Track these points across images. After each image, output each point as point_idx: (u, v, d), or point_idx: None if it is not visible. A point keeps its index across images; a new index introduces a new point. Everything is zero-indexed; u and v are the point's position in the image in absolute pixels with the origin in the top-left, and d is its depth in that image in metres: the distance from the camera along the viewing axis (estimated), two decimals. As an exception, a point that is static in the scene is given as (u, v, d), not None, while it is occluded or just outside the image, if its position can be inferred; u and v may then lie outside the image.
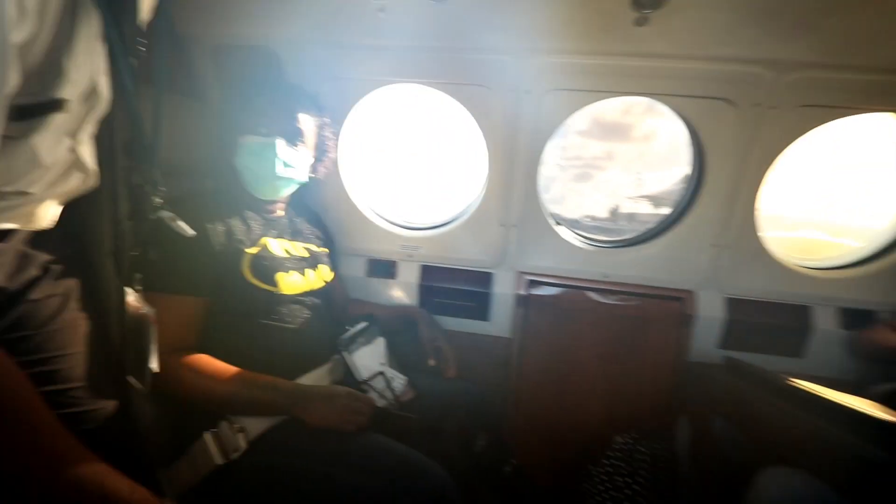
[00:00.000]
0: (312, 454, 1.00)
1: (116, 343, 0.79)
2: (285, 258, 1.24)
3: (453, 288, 1.63)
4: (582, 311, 1.60)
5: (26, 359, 0.69)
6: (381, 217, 1.69)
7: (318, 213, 1.56)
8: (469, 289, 1.62)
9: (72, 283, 0.74)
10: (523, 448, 1.56)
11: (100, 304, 0.76)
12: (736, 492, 1.01)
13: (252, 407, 1.02)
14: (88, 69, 0.59)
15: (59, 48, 0.54)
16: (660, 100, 1.40)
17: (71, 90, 0.57)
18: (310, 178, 1.37)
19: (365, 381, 1.27)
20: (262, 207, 1.29)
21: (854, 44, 1.18)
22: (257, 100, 1.23)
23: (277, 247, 1.24)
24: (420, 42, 1.37)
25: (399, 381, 1.33)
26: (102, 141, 0.69)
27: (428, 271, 1.65)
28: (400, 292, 1.65)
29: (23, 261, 0.74)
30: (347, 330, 1.31)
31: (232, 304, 1.11)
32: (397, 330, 1.47)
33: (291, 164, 1.24)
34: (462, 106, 1.49)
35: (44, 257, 0.75)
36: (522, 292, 1.60)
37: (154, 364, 0.82)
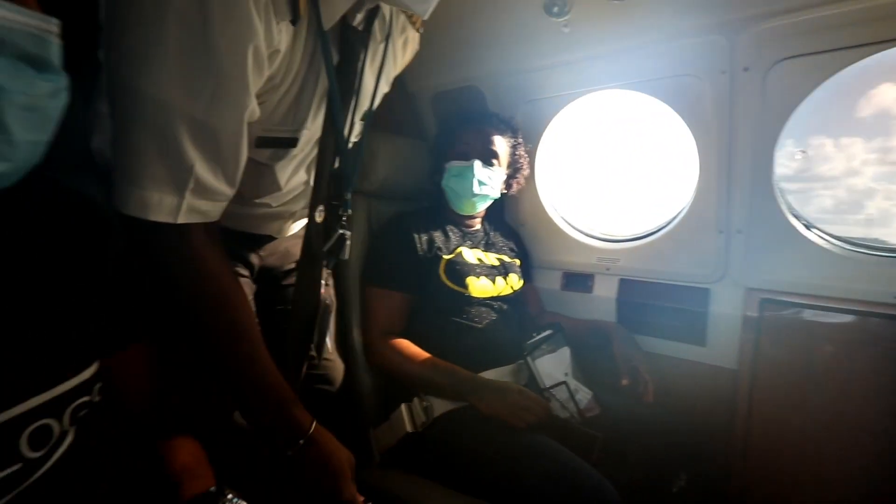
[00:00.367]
0: (483, 440, 1.06)
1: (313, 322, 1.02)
2: (476, 265, 1.38)
3: (658, 305, 1.44)
4: (855, 344, 1.16)
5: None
6: (577, 229, 1.66)
7: (513, 227, 1.66)
8: (678, 307, 1.41)
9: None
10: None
11: (312, 292, 0.96)
12: None
13: (435, 388, 1.17)
14: (318, 118, 0.84)
15: (299, 97, 0.78)
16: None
17: (303, 132, 0.83)
18: (503, 193, 1.50)
19: (547, 389, 1.26)
20: (461, 221, 1.48)
21: None
22: (460, 130, 1.45)
23: (471, 255, 1.40)
24: (609, 46, 1.34)
25: (584, 394, 1.26)
26: (319, 169, 0.89)
27: (628, 286, 1.51)
28: (597, 307, 1.56)
29: (286, 255, 1.08)
30: (533, 336, 1.34)
31: (429, 301, 1.31)
32: (588, 343, 1.40)
33: (486, 183, 1.40)
34: (663, 103, 1.36)
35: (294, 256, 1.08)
36: (753, 314, 1.28)
37: (329, 343, 1.02)
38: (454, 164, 1.41)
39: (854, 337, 1.16)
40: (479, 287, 1.33)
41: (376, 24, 0.85)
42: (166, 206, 0.63)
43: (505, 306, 1.39)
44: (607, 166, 1.84)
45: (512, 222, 1.74)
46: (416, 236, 1.34)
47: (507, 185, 1.51)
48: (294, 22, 0.66)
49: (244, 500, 0.57)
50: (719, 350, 1.34)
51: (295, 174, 0.91)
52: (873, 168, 1.52)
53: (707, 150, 1.31)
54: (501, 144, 1.44)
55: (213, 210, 0.69)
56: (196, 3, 0.56)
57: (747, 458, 1.26)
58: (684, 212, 1.41)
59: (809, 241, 1.22)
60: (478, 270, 1.36)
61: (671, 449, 1.15)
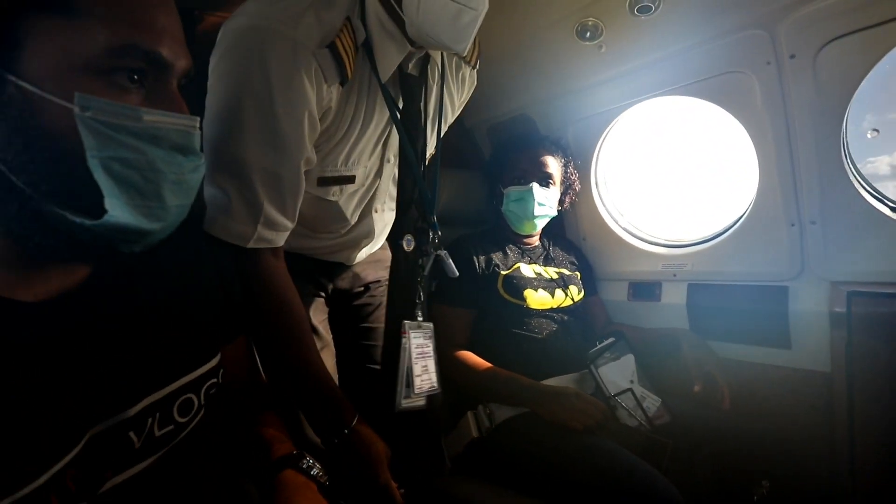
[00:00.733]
0: (543, 444, 1.11)
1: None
2: (534, 278, 1.45)
3: (732, 308, 1.37)
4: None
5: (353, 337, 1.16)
6: (639, 237, 1.65)
7: (574, 241, 1.70)
8: (754, 308, 1.33)
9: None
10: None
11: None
12: None
13: (497, 395, 1.24)
14: (371, 158, 1.00)
15: (356, 140, 0.93)
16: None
17: (359, 170, 0.99)
18: (559, 210, 1.57)
19: (613, 397, 1.26)
20: (519, 240, 1.56)
21: None
22: (515, 156, 1.56)
23: (528, 270, 1.47)
24: (647, 58, 1.38)
25: (652, 401, 1.25)
26: (400, 198, 1.03)
27: (697, 290, 1.46)
28: (667, 315, 1.52)
29: (355, 279, 1.24)
30: (596, 345, 1.36)
31: (490, 315, 1.40)
32: (656, 351, 1.38)
33: (544, 203, 1.49)
34: (713, 104, 1.35)
35: (371, 276, 1.25)
36: (841, 309, 1.17)
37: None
38: (513, 189, 1.50)
39: None
40: (537, 299, 1.39)
41: (429, 69, 0.98)
42: (243, 234, 0.83)
43: (566, 317, 1.43)
44: (667, 173, 1.82)
45: (573, 237, 1.78)
46: (474, 257, 1.45)
47: (561, 202, 1.57)
48: (343, 84, 0.82)
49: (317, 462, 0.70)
50: (808, 352, 1.24)
51: (359, 208, 1.06)
52: None
53: (764, 142, 1.26)
54: (554, 165, 1.53)
55: (277, 238, 0.88)
56: (263, 83, 0.75)
57: (856, 466, 1.13)
58: (750, 209, 1.36)
59: (897, 224, 1.11)
60: (535, 283, 1.43)
61: (752, 456, 1.09)
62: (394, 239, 1.05)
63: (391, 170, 1.03)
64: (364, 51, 0.85)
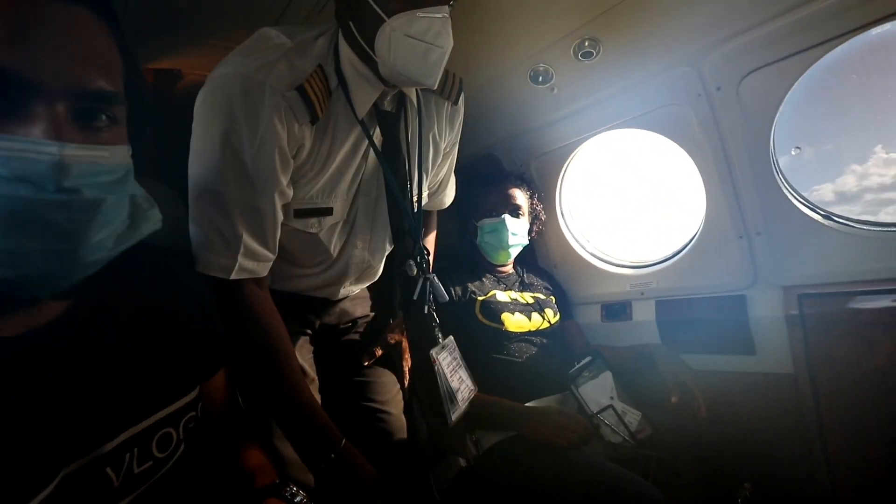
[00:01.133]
0: (533, 465, 1.11)
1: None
2: (509, 302, 1.49)
3: (697, 320, 1.44)
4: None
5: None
6: (606, 261, 1.73)
7: (544, 268, 1.78)
8: (717, 318, 1.40)
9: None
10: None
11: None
12: None
13: (482, 421, 1.25)
14: (350, 191, 1.03)
15: (335, 175, 0.97)
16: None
17: (337, 203, 1.02)
18: (529, 239, 1.65)
19: (595, 415, 1.29)
20: (494, 269, 1.62)
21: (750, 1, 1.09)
22: (485, 191, 1.65)
23: (504, 296, 1.52)
24: (595, 96, 1.52)
25: (633, 415, 1.27)
26: (393, 228, 1.09)
27: (665, 306, 1.53)
28: (639, 332, 1.58)
29: (342, 314, 1.26)
30: (574, 365, 1.39)
31: (469, 341, 1.41)
32: (632, 367, 1.42)
33: (517, 233, 1.56)
34: (656, 133, 1.49)
35: (359, 311, 1.27)
36: (794, 311, 1.26)
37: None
38: (486, 222, 1.57)
39: None
40: (514, 322, 1.43)
41: (406, 105, 1.04)
42: (225, 267, 0.86)
43: (545, 340, 1.47)
44: (626, 198, 1.94)
45: (544, 265, 1.85)
46: (451, 287, 1.49)
47: (529, 231, 1.66)
48: (313, 122, 0.88)
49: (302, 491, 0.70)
50: (771, 356, 1.30)
51: (340, 241, 1.08)
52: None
53: (706, 165, 1.39)
54: (521, 197, 1.62)
55: (259, 268, 0.91)
56: (236, 122, 0.81)
57: (830, 459, 1.16)
58: (702, 226, 1.46)
59: (831, 229, 1.22)
60: (512, 307, 1.48)
61: (732, 460, 1.12)
62: (397, 266, 1.10)
63: (369, 204, 1.07)
64: (339, 92, 0.92)
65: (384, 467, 0.93)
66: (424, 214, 1.29)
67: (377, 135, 1.00)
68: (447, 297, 1.12)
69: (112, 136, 0.50)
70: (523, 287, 1.61)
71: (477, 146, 1.88)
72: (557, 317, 1.56)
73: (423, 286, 1.08)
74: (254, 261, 0.89)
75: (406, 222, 1.06)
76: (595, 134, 1.62)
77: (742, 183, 1.33)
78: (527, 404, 1.28)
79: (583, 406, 1.31)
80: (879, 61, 1.25)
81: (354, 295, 1.28)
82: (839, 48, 1.15)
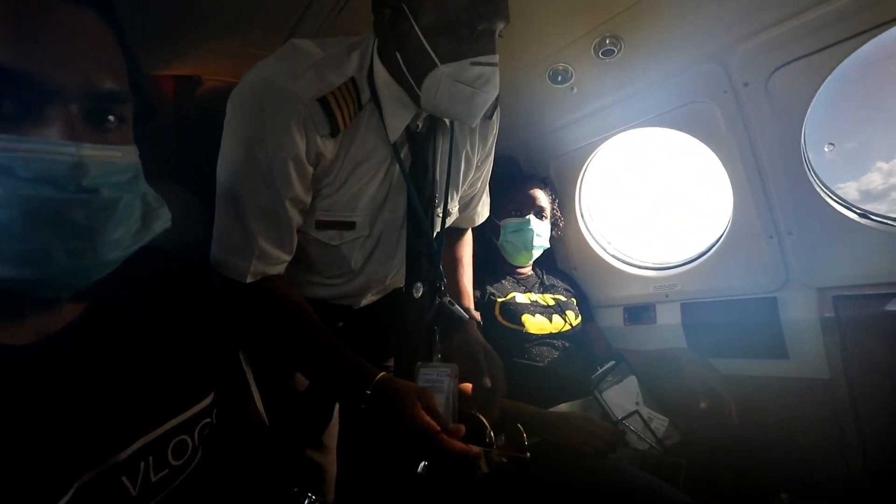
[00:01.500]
0: (559, 473, 1.08)
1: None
2: (529, 304, 1.47)
3: (726, 323, 1.40)
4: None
5: None
6: (627, 262, 1.70)
7: (566, 271, 1.75)
8: (747, 321, 1.36)
9: None
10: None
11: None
12: None
13: (503, 427, 1.22)
14: (375, 207, 1.01)
15: (361, 189, 0.96)
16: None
17: (360, 218, 0.99)
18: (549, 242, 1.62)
19: (620, 421, 1.25)
20: (513, 271, 1.60)
21: None
22: (510, 191, 1.59)
23: (524, 298, 1.49)
24: (616, 95, 1.49)
25: (659, 422, 1.23)
26: (410, 248, 1.06)
27: (691, 309, 1.49)
28: (664, 336, 1.54)
29: None
30: (597, 369, 1.36)
31: (490, 344, 1.39)
32: (658, 372, 1.38)
33: (541, 235, 1.54)
34: (682, 132, 1.45)
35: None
36: (829, 314, 1.21)
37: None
38: (510, 221, 1.54)
39: None
40: (535, 324, 1.41)
41: (438, 125, 1.01)
42: (241, 269, 0.87)
43: (566, 343, 1.44)
44: (648, 198, 1.90)
45: (564, 267, 1.82)
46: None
47: (551, 234, 1.63)
48: (333, 135, 0.88)
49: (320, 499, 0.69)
50: (805, 360, 1.26)
51: (364, 256, 1.06)
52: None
53: (733, 163, 1.35)
54: (545, 199, 1.60)
55: (273, 269, 0.91)
56: (258, 126, 0.82)
57: (870, 469, 1.11)
58: (729, 225, 1.42)
59: (868, 227, 1.17)
60: (532, 309, 1.45)
61: (767, 470, 1.07)
62: (405, 286, 1.08)
63: (395, 222, 1.04)
64: (371, 107, 0.91)
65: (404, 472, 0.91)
66: (457, 233, 1.27)
67: (406, 154, 0.98)
68: (466, 317, 1.09)
69: (120, 137, 0.50)
70: (543, 289, 1.59)
71: (495, 148, 1.85)
72: (579, 319, 1.53)
73: (438, 310, 1.06)
74: (268, 264, 0.90)
75: (424, 244, 1.04)
76: (616, 133, 1.59)
77: (772, 181, 1.29)
78: (550, 410, 1.25)
79: (607, 412, 1.27)
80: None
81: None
82: (873, 41, 1.11)
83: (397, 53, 0.87)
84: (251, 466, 0.74)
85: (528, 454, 0.89)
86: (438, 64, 0.81)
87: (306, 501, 0.68)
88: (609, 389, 1.31)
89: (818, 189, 1.24)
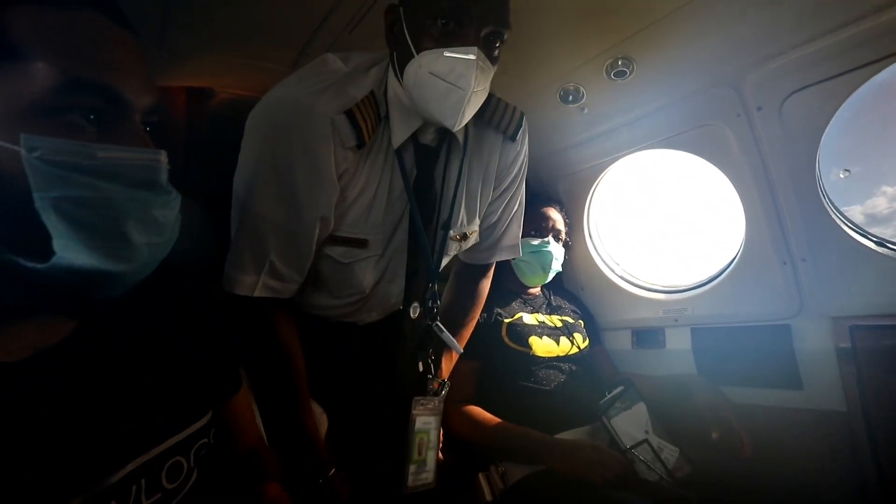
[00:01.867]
0: (563, 502, 1.04)
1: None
2: (536, 325, 1.44)
3: (738, 350, 1.36)
4: None
5: None
6: (636, 284, 1.67)
7: (573, 291, 1.72)
8: (760, 349, 1.32)
9: None
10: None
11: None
12: None
13: (510, 452, 1.19)
14: (387, 225, 0.99)
15: (370, 205, 0.95)
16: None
17: (372, 235, 0.98)
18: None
19: (629, 450, 1.21)
20: (521, 291, 1.57)
21: (795, 19, 1.05)
22: (528, 211, 1.57)
23: (531, 318, 1.47)
24: (626, 116, 1.49)
25: (670, 451, 1.19)
26: (409, 266, 1.04)
27: (701, 334, 1.46)
28: (673, 361, 1.50)
29: None
30: (605, 395, 1.32)
31: (495, 365, 1.37)
32: (667, 399, 1.34)
33: (558, 258, 1.52)
34: (693, 154, 1.44)
35: None
36: (846, 344, 1.17)
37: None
38: (529, 241, 1.50)
39: None
40: (542, 346, 1.38)
41: (449, 140, 0.99)
42: (249, 284, 0.86)
43: (574, 367, 1.41)
44: (658, 220, 1.88)
45: (571, 287, 1.79)
46: None
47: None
48: (359, 147, 0.86)
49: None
50: (820, 391, 1.22)
51: (375, 276, 1.04)
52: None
53: (745, 187, 1.33)
54: (561, 222, 1.58)
55: (282, 289, 0.90)
56: (283, 143, 0.82)
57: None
58: (741, 250, 1.40)
59: (885, 256, 1.15)
60: (539, 331, 1.42)
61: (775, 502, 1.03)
62: (402, 305, 1.06)
63: (405, 239, 1.02)
64: (387, 122, 0.91)
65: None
66: (479, 269, 1.24)
67: (411, 166, 0.97)
68: (458, 349, 1.07)
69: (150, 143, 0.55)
70: (551, 309, 1.56)
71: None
72: (587, 342, 1.50)
73: (426, 333, 1.04)
74: (278, 280, 0.88)
75: (423, 263, 1.02)
76: (626, 154, 1.58)
77: (785, 206, 1.27)
78: (556, 436, 1.22)
79: (615, 439, 1.23)
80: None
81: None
82: (888, 69, 1.10)
83: (394, 56, 0.87)
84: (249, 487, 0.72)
85: None
86: (415, 54, 0.80)
87: None
88: (617, 416, 1.27)
89: (833, 215, 1.22)
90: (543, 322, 1.48)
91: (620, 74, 1.31)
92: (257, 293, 0.86)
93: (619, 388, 1.32)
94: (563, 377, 1.37)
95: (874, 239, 1.19)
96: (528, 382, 1.33)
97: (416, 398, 0.98)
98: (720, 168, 1.37)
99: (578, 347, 1.45)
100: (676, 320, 1.52)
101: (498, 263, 1.56)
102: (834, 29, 1.06)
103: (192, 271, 0.82)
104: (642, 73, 1.30)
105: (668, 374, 1.46)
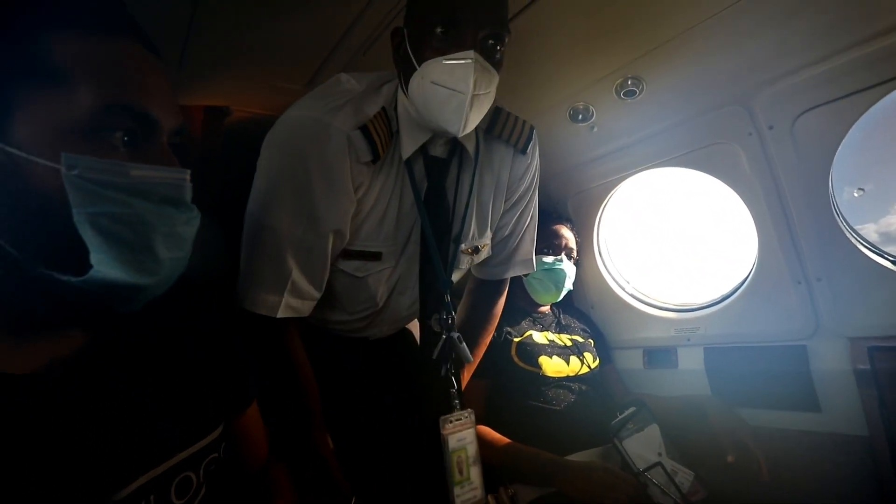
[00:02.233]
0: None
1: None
2: (547, 345, 1.43)
3: (753, 371, 1.34)
4: None
5: None
6: (647, 302, 1.65)
7: (582, 310, 1.70)
8: (775, 370, 1.29)
9: None
10: None
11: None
12: None
13: (518, 473, 1.16)
14: (398, 238, 1.00)
15: (382, 218, 0.96)
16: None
17: (385, 248, 0.99)
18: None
19: (642, 473, 1.18)
20: (531, 309, 1.56)
21: (806, 39, 1.07)
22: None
23: (540, 337, 1.46)
24: (636, 134, 1.49)
25: (684, 475, 1.16)
26: (423, 278, 1.04)
27: (714, 354, 1.43)
28: (686, 381, 1.47)
29: None
30: (617, 416, 1.30)
31: (504, 385, 1.35)
32: (681, 420, 1.31)
33: (571, 277, 1.52)
34: (704, 173, 1.44)
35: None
36: (864, 366, 1.15)
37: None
38: (543, 259, 1.49)
39: None
40: (552, 366, 1.36)
41: (459, 152, 1.00)
42: (272, 304, 0.86)
43: (584, 387, 1.39)
44: (669, 237, 1.87)
45: (581, 305, 1.78)
46: None
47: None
48: (374, 161, 0.88)
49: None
50: (839, 414, 1.18)
51: (387, 289, 1.05)
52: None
53: (757, 205, 1.32)
54: (573, 241, 1.58)
55: (303, 307, 0.90)
56: (301, 160, 0.83)
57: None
58: (754, 269, 1.38)
59: (904, 276, 1.13)
60: (549, 350, 1.41)
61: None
62: (422, 318, 1.07)
63: (417, 251, 1.03)
64: (398, 135, 0.93)
65: None
66: (493, 286, 1.24)
67: (421, 178, 0.98)
68: (471, 359, 1.06)
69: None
70: (560, 328, 1.55)
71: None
72: (597, 361, 1.48)
73: (444, 345, 1.02)
74: (299, 299, 0.89)
75: (436, 273, 1.01)
76: (636, 172, 1.58)
77: (799, 225, 1.25)
78: (567, 458, 1.19)
79: (627, 462, 1.21)
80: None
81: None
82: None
83: (401, 73, 0.89)
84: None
85: None
86: (417, 66, 0.81)
87: None
88: (629, 438, 1.24)
89: (848, 235, 1.20)
90: (553, 341, 1.46)
91: (630, 94, 1.32)
92: (280, 314, 0.87)
93: (631, 409, 1.29)
94: (572, 397, 1.35)
95: (890, 258, 1.17)
96: (537, 402, 1.31)
97: (442, 418, 0.96)
98: (731, 186, 1.37)
99: (589, 367, 1.43)
100: (689, 340, 1.50)
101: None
102: (844, 49, 1.07)
103: (203, 285, 0.82)
104: (652, 93, 1.31)
105: (681, 394, 1.43)
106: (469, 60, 0.78)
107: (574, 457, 1.21)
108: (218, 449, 0.64)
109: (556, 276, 1.49)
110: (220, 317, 0.74)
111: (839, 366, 1.20)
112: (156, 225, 0.49)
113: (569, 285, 1.52)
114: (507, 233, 1.17)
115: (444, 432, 0.95)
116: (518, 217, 1.16)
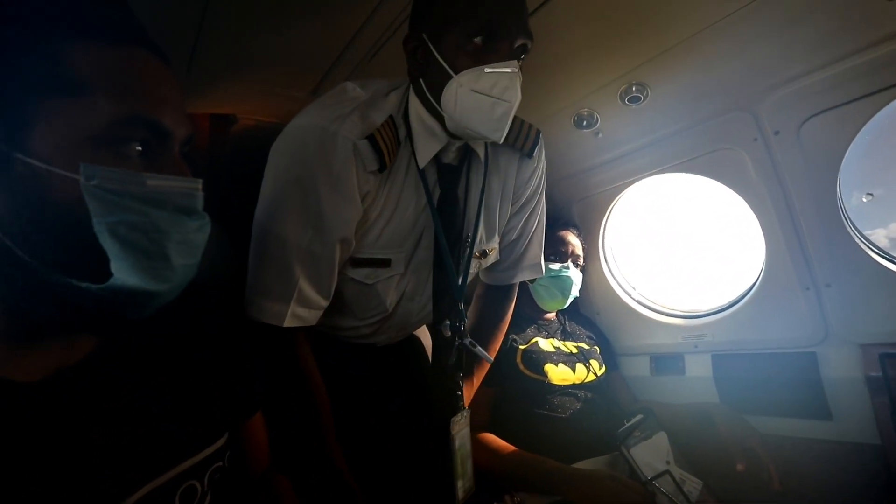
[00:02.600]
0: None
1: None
2: (552, 352, 1.42)
3: (762, 378, 1.32)
4: None
5: None
6: (655, 310, 1.64)
7: (588, 316, 1.69)
8: (785, 377, 1.28)
9: None
10: None
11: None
12: None
13: (526, 481, 1.15)
14: (407, 244, 1.00)
15: (390, 225, 0.96)
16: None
17: (394, 255, 0.99)
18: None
19: (650, 481, 1.17)
20: (536, 316, 1.56)
21: (811, 44, 1.06)
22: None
23: (546, 344, 1.45)
24: (641, 140, 1.49)
25: (693, 484, 1.15)
26: (436, 285, 1.05)
27: (722, 361, 1.42)
28: (694, 388, 1.46)
29: None
30: (624, 423, 1.29)
31: (510, 392, 1.34)
32: (689, 428, 1.30)
33: (577, 284, 1.51)
34: (710, 178, 1.43)
35: None
36: (876, 373, 1.13)
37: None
38: (549, 266, 1.48)
39: None
40: (558, 374, 1.35)
41: (470, 159, 1.01)
42: (279, 313, 0.86)
43: (590, 394, 1.37)
44: (676, 243, 1.86)
45: (586, 312, 1.77)
46: None
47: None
48: (381, 170, 0.88)
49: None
50: (851, 422, 1.17)
51: (397, 295, 1.05)
52: None
53: (764, 211, 1.31)
54: (579, 247, 1.57)
55: (310, 317, 0.90)
56: (308, 168, 0.83)
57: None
58: (762, 275, 1.37)
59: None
60: (555, 358, 1.40)
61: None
62: (433, 324, 1.07)
63: (428, 259, 1.03)
64: (407, 143, 0.93)
65: None
66: (502, 291, 1.24)
67: (434, 185, 0.98)
68: (491, 359, 1.08)
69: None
70: (565, 335, 1.54)
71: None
72: (603, 369, 1.47)
73: (458, 350, 1.03)
74: (306, 308, 0.89)
75: (449, 280, 1.02)
76: (641, 178, 1.58)
77: (806, 230, 1.24)
78: (573, 466, 1.18)
79: (635, 470, 1.19)
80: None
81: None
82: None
83: (422, 81, 0.89)
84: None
85: None
86: (453, 74, 0.81)
87: None
88: (637, 446, 1.23)
89: (857, 240, 1.19)
90: (559, 348, 1.45)
91: (634, 100, 1.32)
92: (287, 323, 0.86)
93: (639, 417, 1.28)
94: (578, 405, 1.33)
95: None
96: (543, 410, 1.30)
97: (452, 419, 0.98)
98: (738, 192, 1.36)
99: (595, 374, 1.42)
100: (696, 346, 1.49)
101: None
102: (850, 54, 1.07)
103: (210, 292, 0.82)
104: (657, 99, 1.31)
105: (689, 402, 1.41)
106: (514, 70, 0.81)
107: (581, 465, 1.19)
108: (223, 458, 0.64)
109: (563, 284, 1.48)
110: (226, 323, 0.75)
111: (850, 373, 1.18)
112: (170, 233, 0.50)
113: (575, 292, 1.51)
114: (514, 237, 1.17)
115: (454, 432, 0.99)
116: (525, 220, 1.16)
